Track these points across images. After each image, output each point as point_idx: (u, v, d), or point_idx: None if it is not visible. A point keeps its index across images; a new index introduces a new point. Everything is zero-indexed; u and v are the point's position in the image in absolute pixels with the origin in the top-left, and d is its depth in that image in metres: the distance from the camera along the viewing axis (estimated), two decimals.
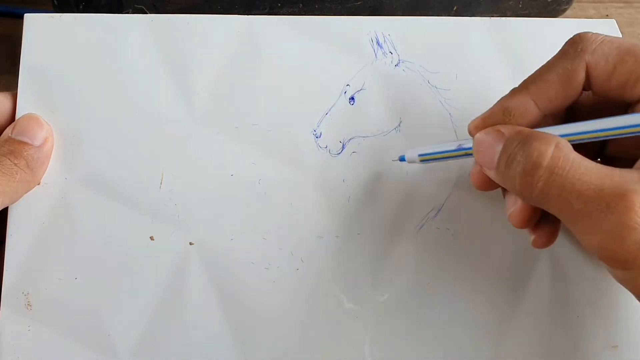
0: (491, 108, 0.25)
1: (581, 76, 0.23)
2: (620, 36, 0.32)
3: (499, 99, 0.25)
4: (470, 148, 0.25)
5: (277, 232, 0.29)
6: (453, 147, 0.26)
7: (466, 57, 0.31)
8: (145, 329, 0.27)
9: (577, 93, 0.24)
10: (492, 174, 0.23)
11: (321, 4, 0.37)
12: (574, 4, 0.43)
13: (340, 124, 0.30)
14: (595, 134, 0.22)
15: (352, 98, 0.30)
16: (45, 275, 0.27)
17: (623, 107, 0.24)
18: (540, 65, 0.25)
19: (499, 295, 0.29)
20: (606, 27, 0.32)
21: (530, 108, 0.24)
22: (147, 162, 0.29)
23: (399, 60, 0.31)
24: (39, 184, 0.28)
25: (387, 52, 0.31)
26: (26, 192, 0.27)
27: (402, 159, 0.28)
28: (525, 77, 0.24)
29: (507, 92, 0.25)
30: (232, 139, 0.29)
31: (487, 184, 0.25)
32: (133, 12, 0.33)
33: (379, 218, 0.29)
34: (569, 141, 0.22)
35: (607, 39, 0.23)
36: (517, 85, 0.25)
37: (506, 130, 0.23)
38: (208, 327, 0.28)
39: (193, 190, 0.29)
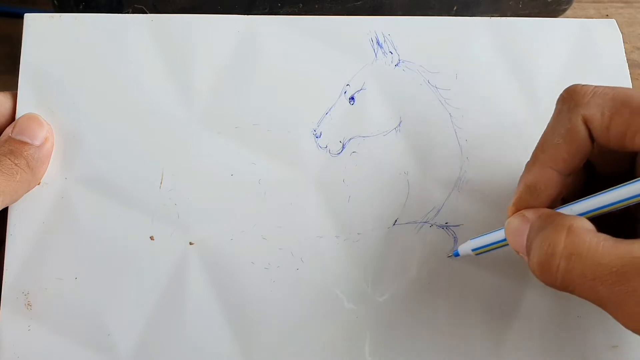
0: (517, 190, 0.24)
1: (583, 131, 0.23)
2: (620, 36, 0.32)
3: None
4: None
5: (277, 232, 0.29)
6: (502, 237, 0.25)
7: (466, 57, 0.31)
8: (145, 329, 0.27)
9: (588, 146, 0.23)
10: (527, 260, 0.23)
11: (321, 4, 0.37)
12: (574, 4, 0.43)
13: (340, 124, 0.30)
14: (613, 207, 0.21)
15: (352, 98, 0.30)
16: (45, 275, 0.27)
17: (633, 154, 0.24)
18: (544, 131, 0.24)
19: (499, 295, 0.29)
20: (606, 27, 0.32)
21: (551, 177, 0.23)
22: (147, 162, 0.29)
23: (399, 60, 0.31)
24: (39, 183, 0.28)
25: (387, 52, 0.31)
26: (26, 192, 0.27)
27: (455, 254, 0.28)
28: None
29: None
30: (232, 139, 0.29)
31: None
32: (133, 12, 0.33)
33: (379, 218, 0.29)
34: (589, 216, 0.21)
35: (598, 90, 0.23)
36: (529, 159, 0.24)
37: (529, 214, 0.23)
38: (208, 327, 0.28)
39: (193, 190, 0.29)
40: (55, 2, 0.34)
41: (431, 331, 0.28)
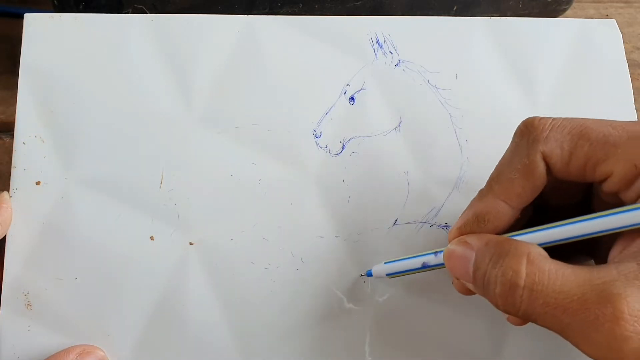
0: (463, 215, 0.24)
1: (541, 167, 0.22)
2: (620, 36, 0.32)
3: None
4: (435, 265, 0.25)
5: (277, 232, 0.29)
6: (419, 265, 0.25)
7: (466, 57, 0.31)
8: (145, 329, 0.27)
9: (543, 182, 0.23)
10: (471, 287, 0.23)
11: (321, 3, 0.37)
12: (574, 4, 0.43)
13: (340, 124, 0.30)
14: (566, 240, 0.21)
15: (352, 98, 0.30)
16: (45, 275, 0.27)
17: (586, 185, 0.24)
18: (499, 160, 0.24)
19: None
20: (606, 27, 0.32)
21: (502, 209, 0.23)
22: (147, 162, 0.29)
23: (399, 60, 0.31)
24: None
25: (387, 52, 0.31)
26: None
27: (369, 274, 0.28)
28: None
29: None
30: (232, 139, 0.29)
31: (471, 292, 0.24)
32: (133, 12, 0.33)
33: (378, 218, 0.29)
34: (542, 245, 0.21)
35: (556, 124, 0.22)
36: (483, 187, 0.24)
37: (474, 241, 0.22)
38: (208, 327, 0.28)
39: (193, 190, 0.29)
40: (55, 2, 0.34)
41: (431, 331, 0.28)
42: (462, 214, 0.24)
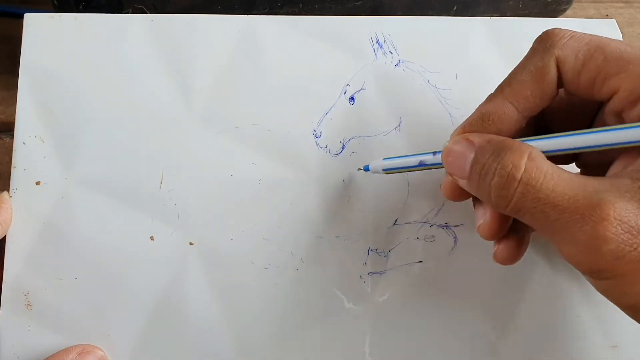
0: (470, 116, 0.24)
1: (553, 72, 0.23)
2: (620, 36, 0.32)
3: None
4: (432, 164, 0.25)
5: (277, 232, 0.29)
6: (415, 163, 0.26)
7: (466, 57, 0.31)
8: (145, 329, 0.27)
9: (553, 90, 0.23)
10: (464, 184, 0.23)
11: (321, 3, 0.37)
12: (574, 4, 0.43)
13: (340, 124, 0.30)
14: (566, 151, 0.21)
15: (352, 98, 0.30)
16: (45, 275, 0.27)
17: (595, 106, 0.24)
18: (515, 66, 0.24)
19: (499, 295, 0.29)
20: (606, 27, 0.32)
21: (508, 111, 0.23)
22: (147, 162, 0.29)
23: (399, 60, 0.31)
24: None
25: (387, 52, 0.31)
26: None
27: (366, 168, 0.29)
28: None
29: None
30: (232, 139, 0.29)
31: (459, 194, 0.24)
32: (133, 12, 0.33)
33: (378, 218, 0.29)
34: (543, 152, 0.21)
35: (576, 35, 0.23)
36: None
37: (476, 138, 0.23)
38: (208, 327, 0.28)
39: (193, 190, 0.29)
40: (55, 2, 0.34)
41: (431, 331, 0.28)
42: (468, 117, 0.24)
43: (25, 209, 0.28)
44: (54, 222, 0.28)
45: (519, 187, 0.20)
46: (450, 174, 0.24)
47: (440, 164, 0.24)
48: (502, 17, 0.32)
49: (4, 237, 0.27)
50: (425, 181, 0.30)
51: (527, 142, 0.22)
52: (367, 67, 0.31)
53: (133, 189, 0.28)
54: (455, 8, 0.39)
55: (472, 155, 0.22)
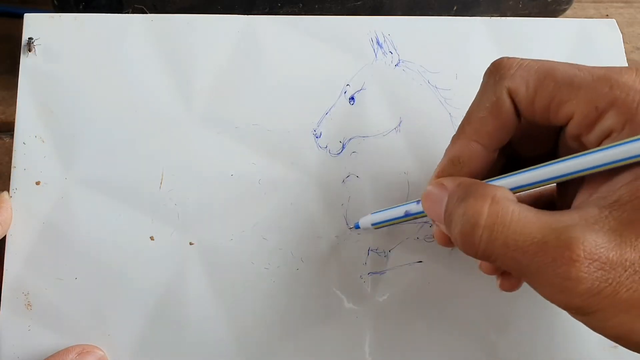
0: (440, 162, 0.24)
1: (508, 104, 0.22)
2: (620, 36, 0.32)
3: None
4: (417, 213, 0.25)
5: (277, 232, 0.29)
6: (401, 214, 0.26)
7: (466, 57, 0.31)
8: (145, 329, 0.27)
9: (513, 121, 0.23)
10: (444, 229, 0.23)
11: (321, 3, 0.37)
12: (574, 4, 0.43)
13: (340, 124, 0.30)
14: (533, 185, 0.21)
15: (352, 98, 0.30)
16: (45, 275, 0.27)
17: (557, 128, 0.24)
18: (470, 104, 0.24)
19: (498, 294, 0.29)
20: (606, 27, 0.32)
21: (475, 150, 0.23)
22: (147, 162, 0.29)
23: (399, 60, 0.31)
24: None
25: (387, 52, 0.31)
26: None
27: (356, 226, 0.29)
28: None
29: None
30: (232, 139, 0.29)
31: (448, 241, 0.24)
32: (133, 12, 0.33)
33: None
34: (512, 190, 0.21)
35: (524, 63, 0.22)
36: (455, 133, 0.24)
37: (449, 183, 0.22)
38: (208, 327, 0.28)
39: (193, 190, 0.29)
40: (55, 2, 0.34)
41: (431, 331, 0.28)
42: (439, 163, 0.24)
43: (25, 209, 0.28)
44: (54, 222, 0.28)
45: (484, 233, 0.20)
46: (432, 221, 0.24)
47: (424, 212, 0.24)
48: (502, 17, 0.32)
49: (4, 237, 0.27)
50: (425, 181, 0.30)
51: (494, 183, 0.22)
52: (367, 67, 0.31)
53: (133, 189, 0.28)
54: (455, 8, 0.39)
55: (445, 200, 0.22)
